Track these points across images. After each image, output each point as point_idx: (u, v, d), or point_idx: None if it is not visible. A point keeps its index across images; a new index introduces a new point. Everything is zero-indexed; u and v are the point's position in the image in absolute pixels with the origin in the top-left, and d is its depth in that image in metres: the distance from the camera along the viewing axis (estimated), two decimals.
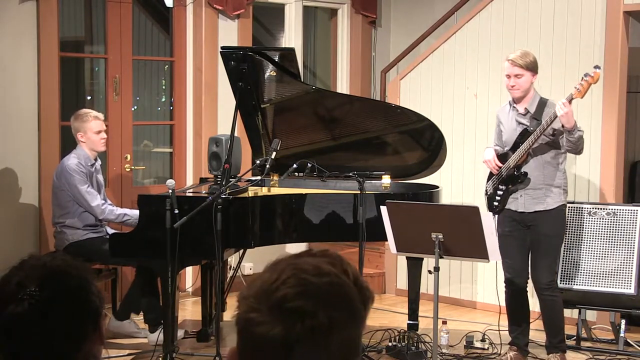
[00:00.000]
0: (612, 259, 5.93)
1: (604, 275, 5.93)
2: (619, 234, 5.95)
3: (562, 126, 5.14)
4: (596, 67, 5.25)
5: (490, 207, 5.50)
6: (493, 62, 6.94)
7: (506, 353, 5.63)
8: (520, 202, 5.42)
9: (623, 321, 5.92)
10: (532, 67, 5.35)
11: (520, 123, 5.42)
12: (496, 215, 5.43)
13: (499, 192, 5.47)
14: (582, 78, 5.19)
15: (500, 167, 5.45)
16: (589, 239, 5.97)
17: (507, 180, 5.44)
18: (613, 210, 6.00)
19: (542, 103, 5.38)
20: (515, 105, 5.46)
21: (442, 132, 5.95)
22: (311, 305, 1.28)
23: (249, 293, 1.33)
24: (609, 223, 5.98)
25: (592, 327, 6.25)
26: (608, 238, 5.97)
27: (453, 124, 7.15)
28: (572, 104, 5.12)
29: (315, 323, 1.27)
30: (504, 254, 5.29)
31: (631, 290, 5.84)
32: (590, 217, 6.03)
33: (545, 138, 5.30)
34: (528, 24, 6.76)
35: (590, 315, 6.33)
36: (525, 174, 5.38)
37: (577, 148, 5.26)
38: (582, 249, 5.98)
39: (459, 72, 7.17)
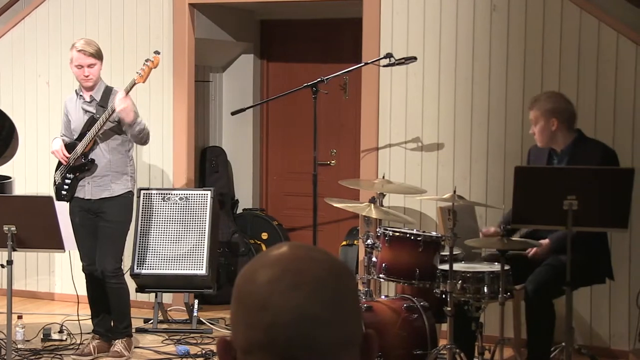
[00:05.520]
0: (185, 242, 6.19)
1: (178, 258, 6.16)
2: (191, 217, 6.22)
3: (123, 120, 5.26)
4: (156, 52, 5.43)
5: (59, 196, 5.45)
6: (65, 50, 6.84)
7: (89, 343, 5.61)
8: (87, 189, 5.43)
9: (196, 301, 6.22)
10: (101, 56, 5.45)
11: (87, 111, 5.45)
12: (69, 205, 5.39)
13: (67, 181, 5.45)
14: (144, 63, 5.35)
15: (68, 157, 5.43)
16: (163, 224, 6.16)
17: (75, 168, 5.43)
18: (185, 195, 6.25)
19: (108, 90, 5.45)
20: (81, 93, 5.47)
21: (13, 121, 5.78)
22: None
23: None
24: (182, 207, 6.22)
25: (168, 309, 6.48)
26: (181, 222, 6.21)
27: (25, 112, 6.94)
28: (131, 93, 5.24)
29: None
30: (78, 244, 5.29)
31: (203, 271, 6.14)
32: (164, 202, 6.23)
33: (111, 125, 5.37)
34: (98, 11, 6.75)
35: (167, 297, 6.56)
36: (92, 160, 5.40)
37: (140, 140, 5.40)
38: (157, 234, 6.16)
39: (29, 59, 6.97)
